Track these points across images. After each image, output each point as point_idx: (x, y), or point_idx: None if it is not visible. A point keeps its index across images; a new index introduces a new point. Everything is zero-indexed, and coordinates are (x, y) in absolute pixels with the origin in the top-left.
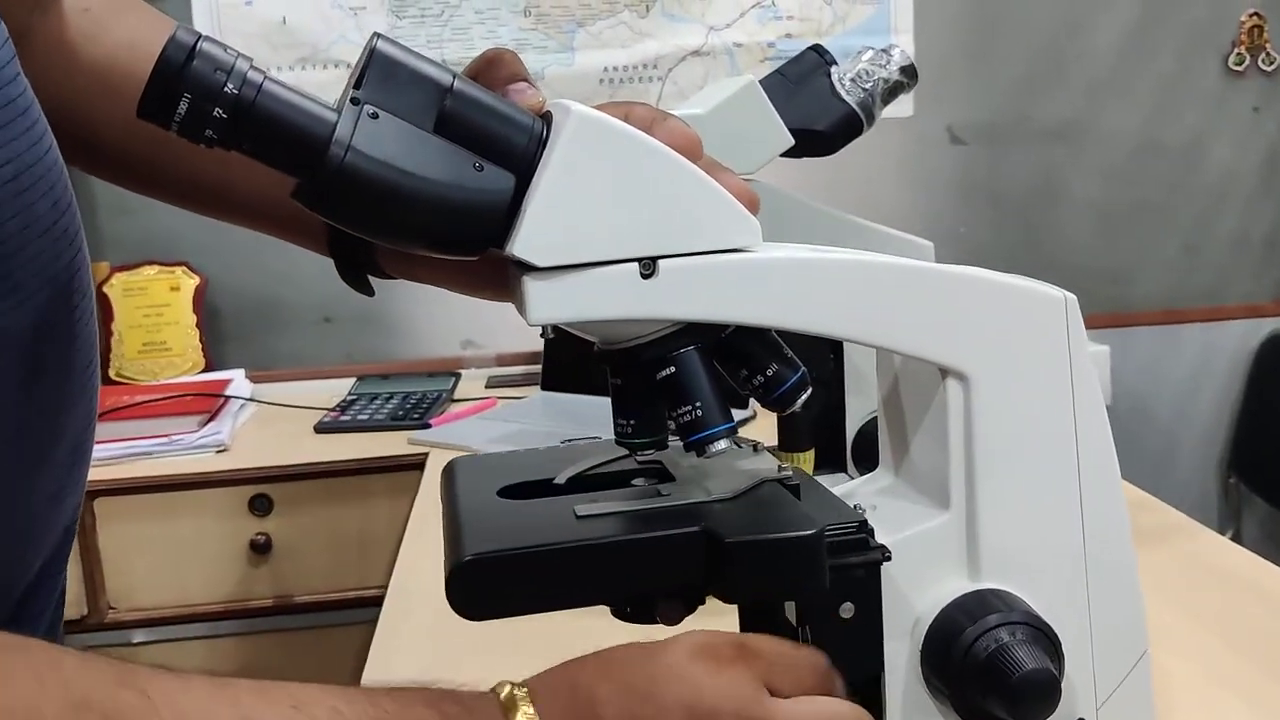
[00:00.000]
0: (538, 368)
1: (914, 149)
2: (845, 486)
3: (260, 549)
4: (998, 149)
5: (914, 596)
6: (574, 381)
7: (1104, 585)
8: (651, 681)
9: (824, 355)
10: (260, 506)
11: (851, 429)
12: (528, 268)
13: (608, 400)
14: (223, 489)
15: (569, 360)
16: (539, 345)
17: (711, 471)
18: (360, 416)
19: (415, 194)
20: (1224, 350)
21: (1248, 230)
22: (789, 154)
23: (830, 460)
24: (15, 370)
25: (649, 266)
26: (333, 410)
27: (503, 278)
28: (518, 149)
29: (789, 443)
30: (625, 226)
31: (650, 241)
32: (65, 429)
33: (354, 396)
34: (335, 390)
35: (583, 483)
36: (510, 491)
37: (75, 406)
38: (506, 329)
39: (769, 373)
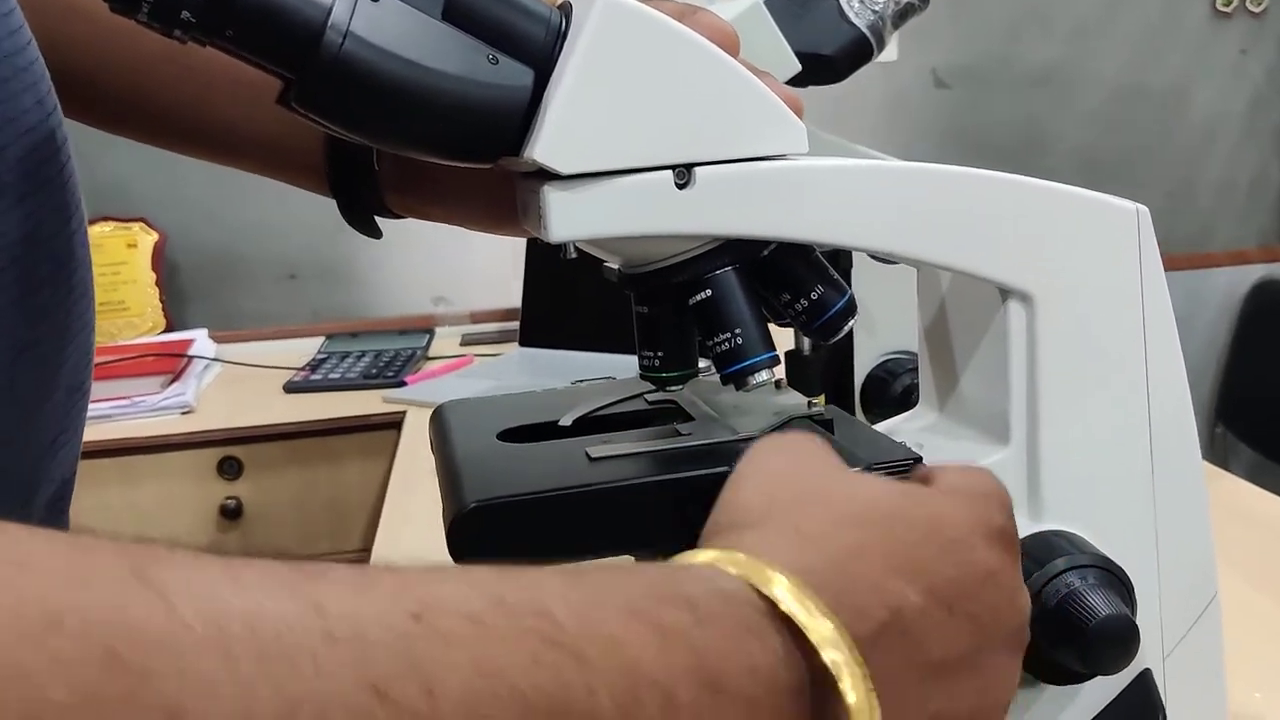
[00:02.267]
0: (514, 325)
1: (897, 93)
2: (881, 426)
3: (231, 514)
4: (982, 93)
5: None
6: (553, 336)
7: (1174, 523)
8: (976, 593)
9: None
10: (230, 469)
11: (861, 372)
12: (548, 177)
13: (589, 355)
14: (190, 452)
15: (547, 315)
16: (515, 301)
17: (733, 411)
18: (332, 375)
19: (422, 88)
20: (1210, 298)
21: (1234, 176)
22: (793, 82)
23: (839, 405)
24: (9, 283)
25: (684, 175)
26: (302, 369)
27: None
28: (535, 41)
29: (799, 387)
30: (659, 129)
31: (687, 147)
32: (64, 361)
33: (324, 355)
34: (303, 350)
35: (590, 425)
36: (511, 435)
37: (75, 336)
38: (479, 285)
39: (814, 296)
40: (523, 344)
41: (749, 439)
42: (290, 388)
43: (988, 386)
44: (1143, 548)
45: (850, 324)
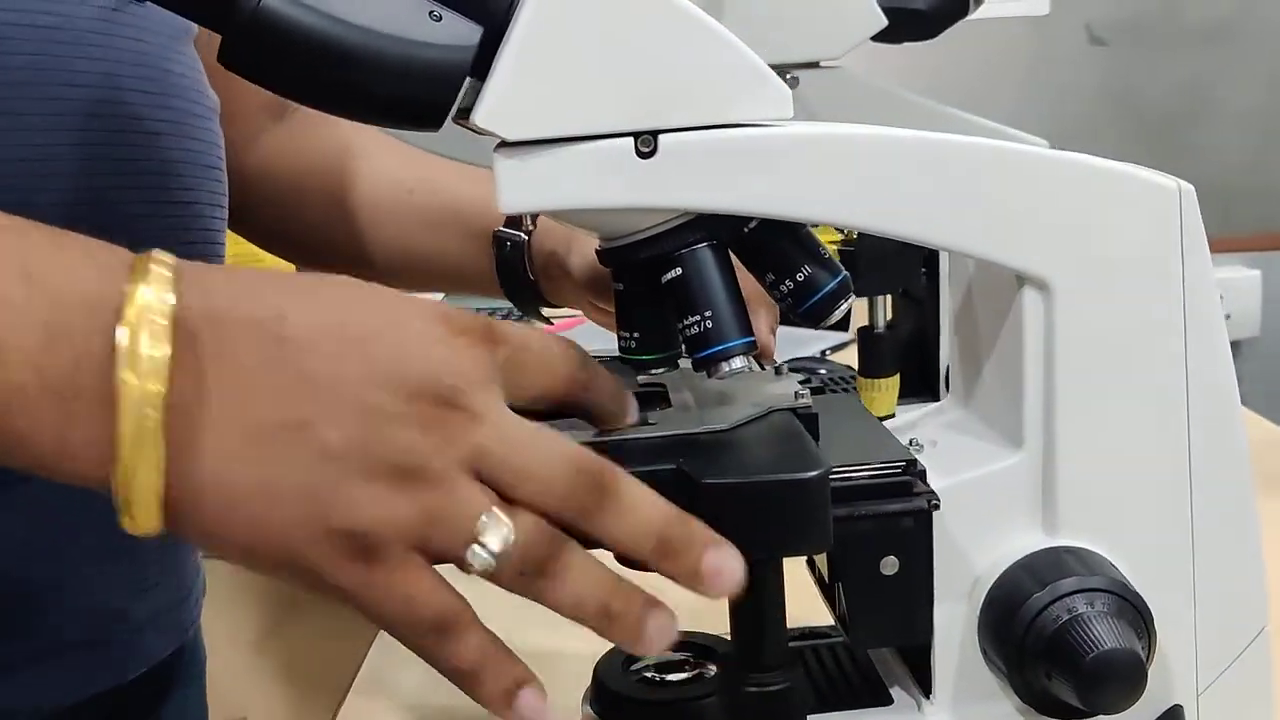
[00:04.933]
0: None
1: (1046, 51)
2: (906, 418)
3: None
4: (1142, 50)
5: (973, 552)
6: None
7: (1214, 546)
8: (363, 323)
9: (914, 266)
10: None
11: (945, 352)
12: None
13: None
14: None
15: None
16: None
17: (715, 399)
18: None
19: (351, 47)
20: None
21: None
22: (882, 38)
23: (920, 388)
24: None
25: (648, 142)
26: None
27: None
28: None
29: (870, 368)
30: (619, 92)
31: (650, 111)
32: None
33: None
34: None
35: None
36: None
37: None
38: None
39: (799, 277)
40: None
41: (714, 432)
42: None
43: (1007, 383)
44: (1175, 573)
45: (843, 307)
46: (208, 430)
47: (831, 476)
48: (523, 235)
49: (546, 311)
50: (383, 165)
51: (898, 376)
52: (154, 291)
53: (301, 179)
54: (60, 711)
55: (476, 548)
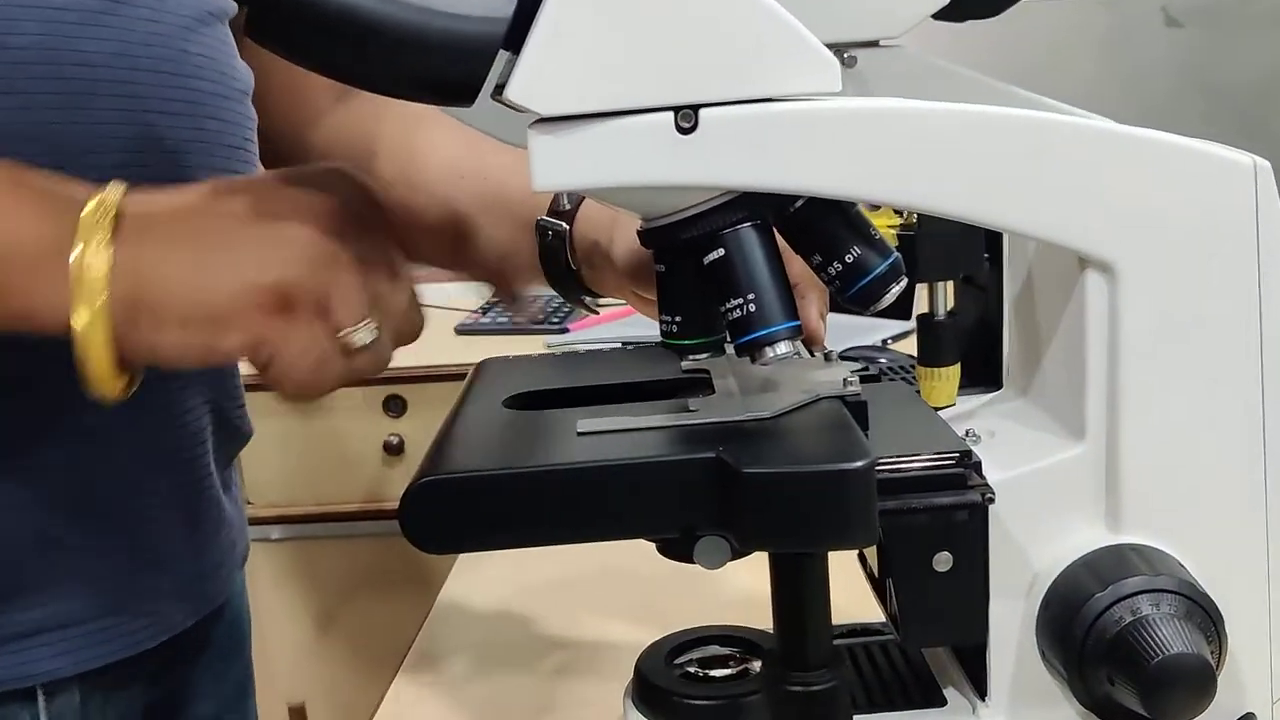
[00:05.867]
0: None
1: (1119, 33)
2: (962, 407)
3: (394, 450)
4: (1220, 32)
5: (1032, 549)
6: None
7: None
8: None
9: (976, 251)
10: (394, 408)
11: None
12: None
13: None
14: (357, 389)
15: None
16: None
17: (760, 386)
18: (500, 319)
19: (381, 22)
20: None
21: None
22: (944, 15)
23: (983, 377)
24: None
25: (689, 117)
26: (474, 312)
27: None
28: None
29: (930, 356)
30: (659, 64)
31: (691, 84)
32: None
33: (497, 299)
34: (484, 291)
35: (609, 394)
36: (521, 400)
37: None
38: None
39: (848, 259)
40: None
41: (757, 419)
42: (461, 330)
43: (1067, 370)
44: (1247, 573)
45: (894, 291)
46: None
47: (881, 468)
48: (564, 225)
49: (593, 302)
50: (438, 148)
51: (958, 366)
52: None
53: (360, 161)
54: (71, 679)
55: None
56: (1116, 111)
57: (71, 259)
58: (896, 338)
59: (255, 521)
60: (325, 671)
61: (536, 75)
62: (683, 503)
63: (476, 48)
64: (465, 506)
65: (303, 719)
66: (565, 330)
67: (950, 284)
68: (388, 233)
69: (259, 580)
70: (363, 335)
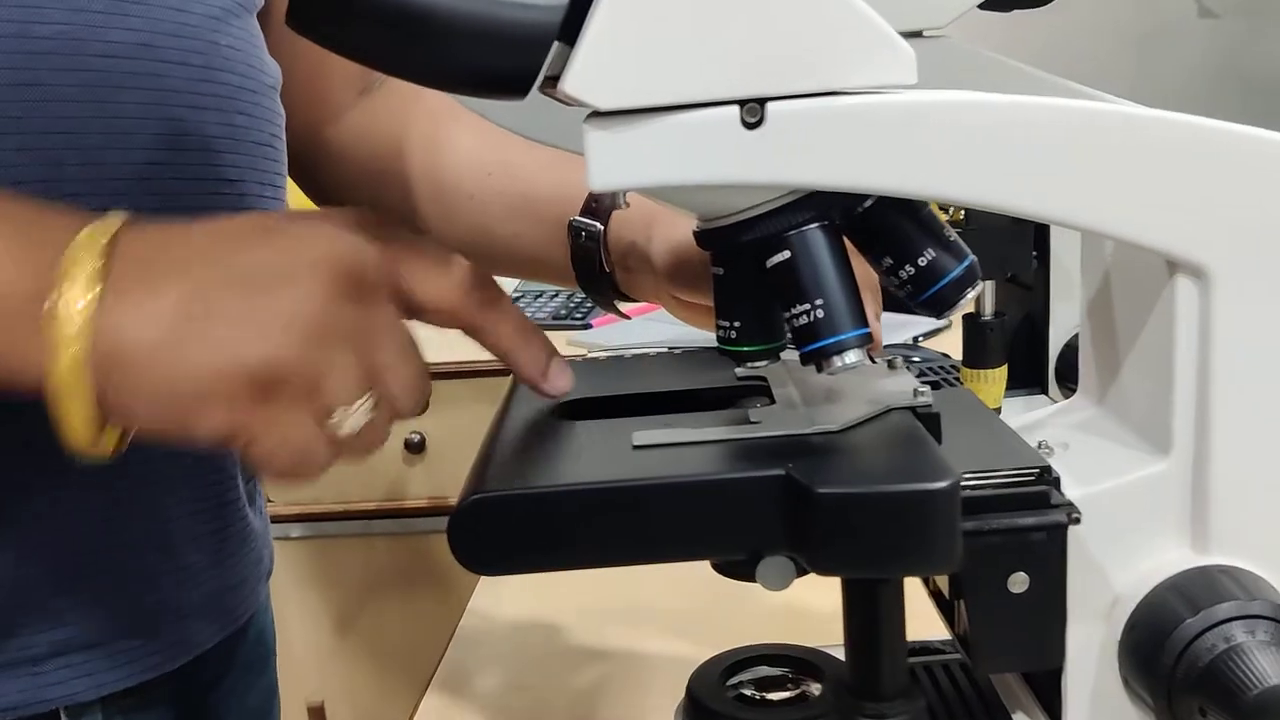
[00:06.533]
0: None
1: (1153, 24)
2: (1030, 417)
3: (415, 448)
4: (1258, 23)
5: (1113, 569)
6: None
7: None
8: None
9: (1023, 250)
10: None
11: (1057, 342)
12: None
13: None
14: None
15: None
16: None
17: (823, 396)
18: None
19: (430, 10)
20: None
21: None
22: (990, 5)
23: (1028, 379)
24: None
25: (755, 111)
26: None
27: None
28: None
29: (975, 357)
30: (723, 55)
31: (758, 76)
32: None
33: (519, 294)
34: (503, 286)
35: (662, 401)
36: (569, 409)
37: None
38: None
39: (921, 262)
40: None
41: (825, 433)
42: None
43: (1150, 380)
44: None
45: (969, 295)
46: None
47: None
48: (598, 225)
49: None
50: (465, 146)
51: (1005, 368)
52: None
53: (384, 159)
54: (93, 703)
55: (346, 413)
56: (1151, 100)
57: (47, 304)
58: (928, 334)
59: (275, 520)
60: (345, 671)
61: (594, 67)
62: (751, 524)
63: (536, 37)
64: (518, 526)
65: (322, 718)
66: (588, 327)
67: (992, 283)
68: (400, 285)
69: (279, 579)
70: (354, 420)
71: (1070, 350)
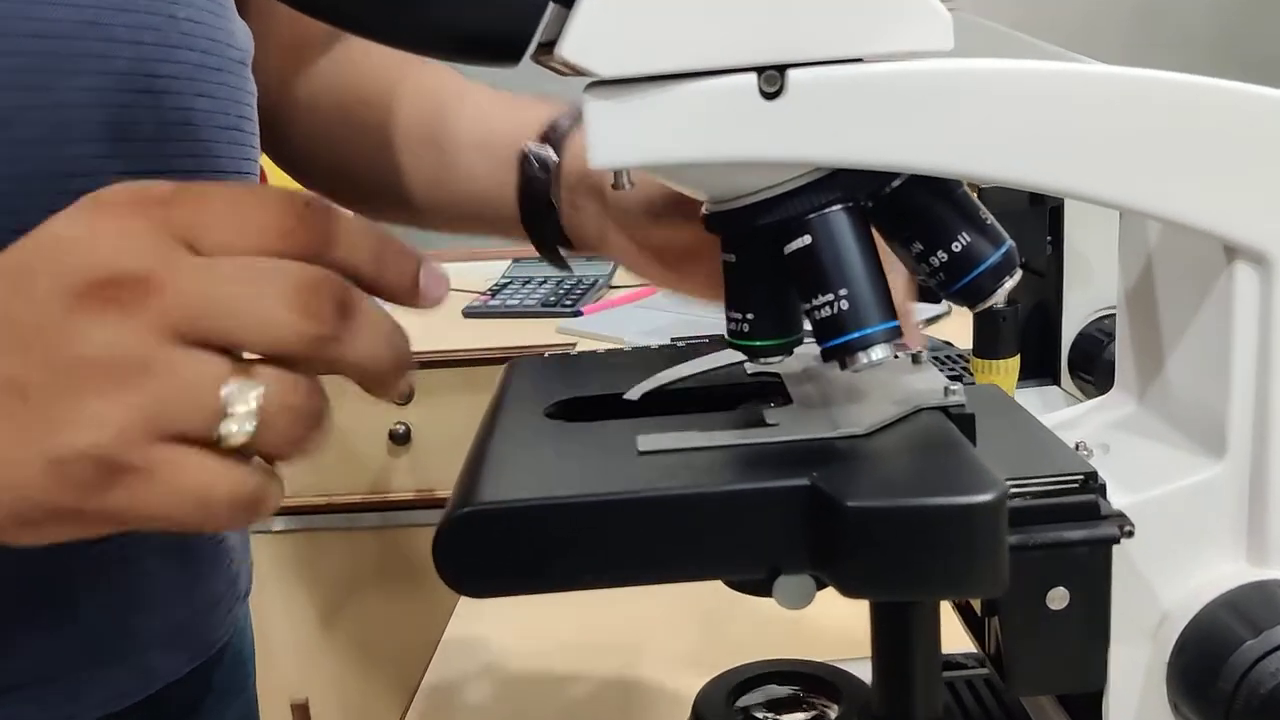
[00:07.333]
0: None
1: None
2: (1061, 415)
3: (400, 439)
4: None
5: (1161, 584)
6: None
7: None
8: (9, 256)
9: (1038, 236)
10: None
11: (1070, 331)
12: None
13: None
14: None
15: None
16: None
17: (844, 394)
18: (510, 302)
19: None
20: None
21: None
22: None
23: (1039, 370)
24: None
25: (774, 79)
26: (483, 294)
27: (710, 273)
28: None
29: (986, 347)
30: (739, 18)
31: (777, 40)
32: None
33: (507, 280)
34: (490, 273)
35: (668, 400)
36: (565, 409)
37: None
38: None
39: (955, 248)
40: None
41: (851, 437)
42: (469, 313)
43: (1202, 376)
44: None
45: (1007, 285)
46: None
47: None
48: (554, 156)
49: (619, 284)
50: (420, 93)
51: (1018, 358)
52: None
53: (347, 114)
54: None
55: (227, 421)
56: None
57: None
58: (930, 321)
59: None
60: (329, 667)
61: (595, 29)
62: (771, 540)
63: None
64: (512, 543)
65: (306, 716)
66: (579, 314)
67: None
68: (187, 238)
69: (261, 574)
70: (239, 421)
71: (1084, 339)
